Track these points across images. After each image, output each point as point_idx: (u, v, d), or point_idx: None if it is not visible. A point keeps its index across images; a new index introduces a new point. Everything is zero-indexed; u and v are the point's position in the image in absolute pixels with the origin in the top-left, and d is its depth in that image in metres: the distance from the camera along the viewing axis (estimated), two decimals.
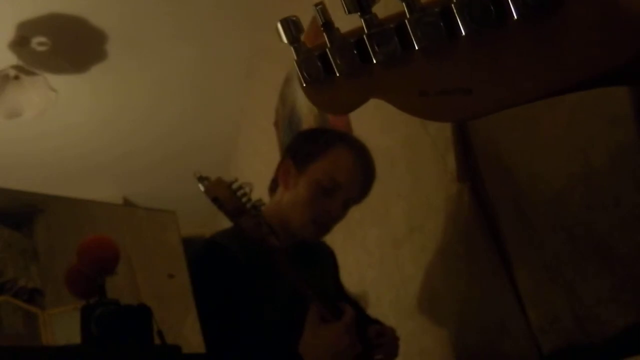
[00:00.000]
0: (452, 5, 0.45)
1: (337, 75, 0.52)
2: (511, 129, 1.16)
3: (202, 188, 1.12)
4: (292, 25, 0.52)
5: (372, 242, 1.93)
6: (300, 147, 1.35)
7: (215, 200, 1.11)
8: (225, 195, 1.11)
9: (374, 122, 1.75)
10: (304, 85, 0.54)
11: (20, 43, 2.89)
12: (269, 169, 1.42)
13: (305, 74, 0.54)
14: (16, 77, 2.88)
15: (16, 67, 2.85)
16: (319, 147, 1.31)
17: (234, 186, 1.12)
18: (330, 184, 1.27)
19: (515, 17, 0.43)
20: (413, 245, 1.62)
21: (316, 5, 0.50)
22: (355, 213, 1.88)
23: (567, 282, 1.06)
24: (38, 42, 2.93)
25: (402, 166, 1.64)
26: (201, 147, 4.15)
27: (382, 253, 1.86)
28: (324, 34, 0.51)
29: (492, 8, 0.44)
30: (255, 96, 3.41)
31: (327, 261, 1.49)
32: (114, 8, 2.79)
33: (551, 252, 1.10)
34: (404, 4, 0.47)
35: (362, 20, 0.49)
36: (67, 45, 3.03)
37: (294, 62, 0.53)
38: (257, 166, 3.36)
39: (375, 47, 0.50)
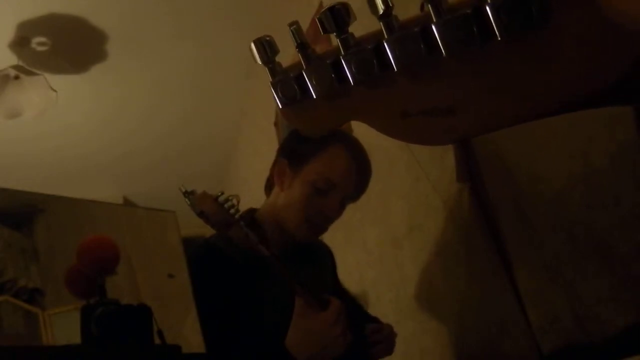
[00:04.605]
0: (432, 25, 0.43)
1: (314, 96, 0.51)
2: (511, 129, 1.16)
3: (187, 202, 1.12)
4: (266, 46, 0.51)
5: (372, 242, 1.94)
6: (295, 147, 1.34)
7: (201, 214, 1.11)
8: (210, 209, 1.10)
9: None
10: (280, 106, 0.53)
11: (20, 43, 2.89)
12: (269, 169, 1.42)
13: (281, 95, 0.52)
14: (16, 77, 2.88)
15: (16, 67, 2.85)
16: (313, 147, 1.30)
17: (220, 199, 1.11)
18: (326, 185, 1.27)
19: (499, 38, 0.41)
20: (413, 244, 1.62)
21: (290, 25, 0.49)
22: (355, 213, 1.89)
23: (567, 282, 1.06)
24: (38, 42, 2.93)
25: (402, 166, 1.64)
26: (201, 147, 4.16)
27: (381, 252, 1.86)
28: (299, 54, 0.50)
29: (474, 29, 0.42)
30: (255, 96, 3.41)
31: (325, 260, 1.48)
32: (114, 8, 2.79)
33: (551, 252, 1.10)
34: (381, 23, 0.45)
35: (338, 41, 0.48)
36: (67, 45, 3.03)
37: (269, 84, 0.52)
38: (257, 166, 3.36)
39: (353, 68, 0.48)
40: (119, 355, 0.88)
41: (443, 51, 0.44)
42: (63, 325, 0.92)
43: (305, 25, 0.65)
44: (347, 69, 0.48)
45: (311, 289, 1.15)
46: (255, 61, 0.51)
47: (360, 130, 1.77)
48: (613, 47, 0.39)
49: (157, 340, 0.91)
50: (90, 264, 0.96)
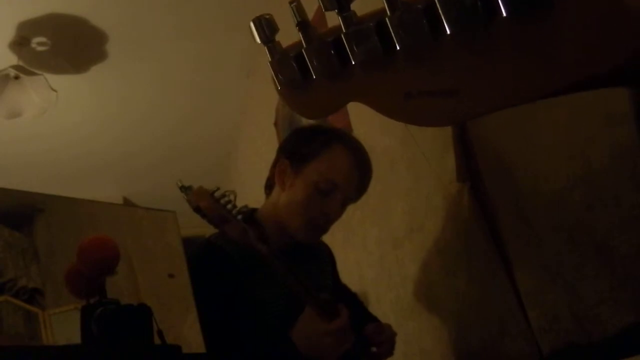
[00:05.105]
0: (437, 1, 0.42)
1: (314, 77, 0.49)
2: (511, 129, 1.16)
3: (184, 197, 1.12)
4: (265, 25, 0.49)
5: (372, 242, 1.94)
6: (296, 147, 1.34)
7: (197, 210, 1.11)
8: (207, 205, 1.10)
9: (374, 122, 1.75)
10: (279, 87, 0.51)
11: (20, 43, 2.89)
12: (269, 169, 1.42)
13: (280, 76, 0.50)
14: (16, 77, 2.87)
15: (16, 67, 2.85)
16: (315, 147, 1.30)
17: (217, 194, 1.11)
18: (328, 185, 1.27)
19: (505, 14, 0.40)
20: (413, 245, 1.62)
21: (291, 2, 0.47)
22: (355, 212, 1.89)
23: (567, 282, 1.06)
24: (38, 42, 2.93)
25: (402, 166, 1.64)
26: (201, 147, 4.15)
27: (382, 253, 1.86)
28: (299, 33, 0.48)
29: (479, 4, 0.41)
30: (255, 96, 3.41)
31: (324, 258, 1.49)
32: (114, 8, 2.79)
33: (551, 252, 1.10)
34: (384, 0, 0.44)
35: (340, 18, 0.46)
36: (67, 45, 3.03)
37: (268, 64, 0.50)
38: (257, 166, 3.36)
39: (354, 47, 0.46)
40: (119, 355, 0.88)
41: (447, 29, 0.42)
42: (63, 325, 0.92)
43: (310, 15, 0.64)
44: (349, 47, 0.46)
45: (318, 296, 1.16)
46: (254, 40, 0.49)
47: (361, 130, 1.77)
48: (618, 28, 0.38)
49: (157, 340, 0.91)
50: (91, 264, 0.96)
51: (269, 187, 1.39)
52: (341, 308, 1.17)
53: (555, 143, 1.07)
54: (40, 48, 2.97)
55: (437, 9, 0.42)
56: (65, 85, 3.16)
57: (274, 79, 0.51)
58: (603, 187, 0.97)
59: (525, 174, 1.16)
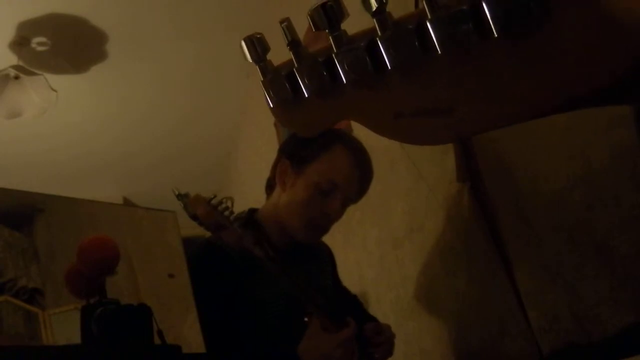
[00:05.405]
0: (427, 21, 0.42)
1: (306, 95, 0.49)
2: (511, 129, 1.16)
3: (181, 205, 1.12)
4: (256, 44, 0.49)
5: (372, 242, 1.94)
6: (297, 148, 1.34)
7: (194, 217, 1.11)
8: (203, 212, 1.10)
9: None
10: (272, 106, 0.51)
11: (20, 43, 2.89)
12: (269, 169, 1.42)
13: (272, 94, 0.50)
14: (16, 77, 2.87)
15: (16, 67, 2.85)
16: (316, 147, 1.30)
17: (214, 202, 1.11)
18: (329, 186, 1.27)
19: (496, 35, 0.40)
20: (413, 245, 1.62)
21: (281, 22, 0.47)
22: (355, 213, 1.89)
23: (567, 282, 1.06)
24: (38, 42, 2.93)
25: (402, 166, 1.64)
26: (201, 147, 4.15)
27: (382, 253, 1.86)
28: (291, 52, 0.48)
29: (470, 25, 0.40)
30: (255, 96, 3.40)
31: (325, 259, 1.49)
32: (114, 8, 2.79)
33: (551, 252, 1.10)
34: (375, 20, 0.44)
35: (331, 38, 0.46)
36: (67, 45, 3.03)
37: (260, 82, 0.50)
38: (257, 166, 3.36)
39: (345, 66, 0.46)
40: (119, 355, 0.88)
41: (438, 49, 0.42)
42: (63, 325, 0.92)
43: (306, 25, 0.65)
44: (340, 67, 0.47)
45: (317, 298, 1.16)
46: (246, 59, 0.50)
47: (361, 131, 1.77)
48: (614, 45, 0.38)
49: (157, 340, 0.91)
50: (91, 264, 0.96)
51: (269, 187, 1.40)
52: (349, 321, 1.18)
53: (555, 143, 1.07)
54: (40, 48, 2.97)
55: (428, 29, 0.42)
56: (65, 85, 3.16)
57: (266, 97, 0.51)
58: (603, 187, 0.97)
59: (525, 174, 1.16)
